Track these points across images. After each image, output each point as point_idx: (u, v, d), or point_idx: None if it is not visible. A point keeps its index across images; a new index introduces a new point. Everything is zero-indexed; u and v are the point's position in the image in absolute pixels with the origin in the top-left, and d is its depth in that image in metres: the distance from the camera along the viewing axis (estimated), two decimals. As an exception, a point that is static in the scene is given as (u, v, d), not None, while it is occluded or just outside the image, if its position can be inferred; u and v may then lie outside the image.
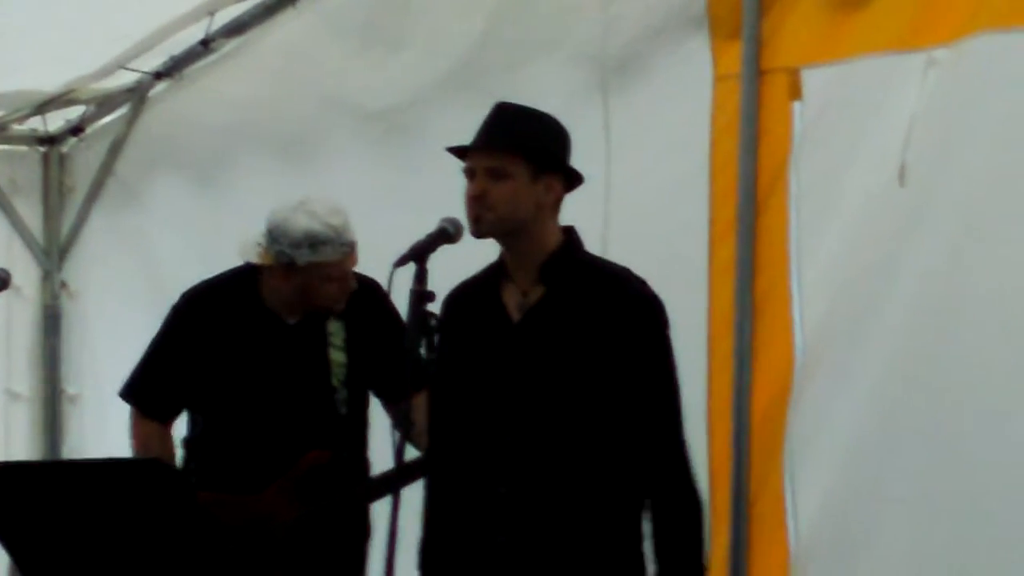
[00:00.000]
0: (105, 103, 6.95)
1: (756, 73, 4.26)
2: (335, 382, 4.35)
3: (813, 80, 4.18)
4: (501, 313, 3.49)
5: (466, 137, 3.48)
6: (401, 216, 4.21)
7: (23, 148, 7.46)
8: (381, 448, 4.01)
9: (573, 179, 3.50)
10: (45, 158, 7.48)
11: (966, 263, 3.75)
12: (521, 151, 3.40)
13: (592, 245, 3.61)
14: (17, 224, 7.44)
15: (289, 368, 4.36)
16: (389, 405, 4.43)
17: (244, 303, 4.38)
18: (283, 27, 5.96)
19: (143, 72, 6.55)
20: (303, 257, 4.22)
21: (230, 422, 4.38)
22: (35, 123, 7.21)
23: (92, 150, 7.23)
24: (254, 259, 4.33)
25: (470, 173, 3.44)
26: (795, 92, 4.21)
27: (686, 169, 4.44)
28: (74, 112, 7.14)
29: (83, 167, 7.34)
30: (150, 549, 3.53)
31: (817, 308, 4.14)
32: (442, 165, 3.61)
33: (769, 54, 4.26)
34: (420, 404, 3.59)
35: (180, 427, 4.53)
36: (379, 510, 4.17)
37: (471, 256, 3.56)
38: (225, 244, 4.64)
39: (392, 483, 3.47)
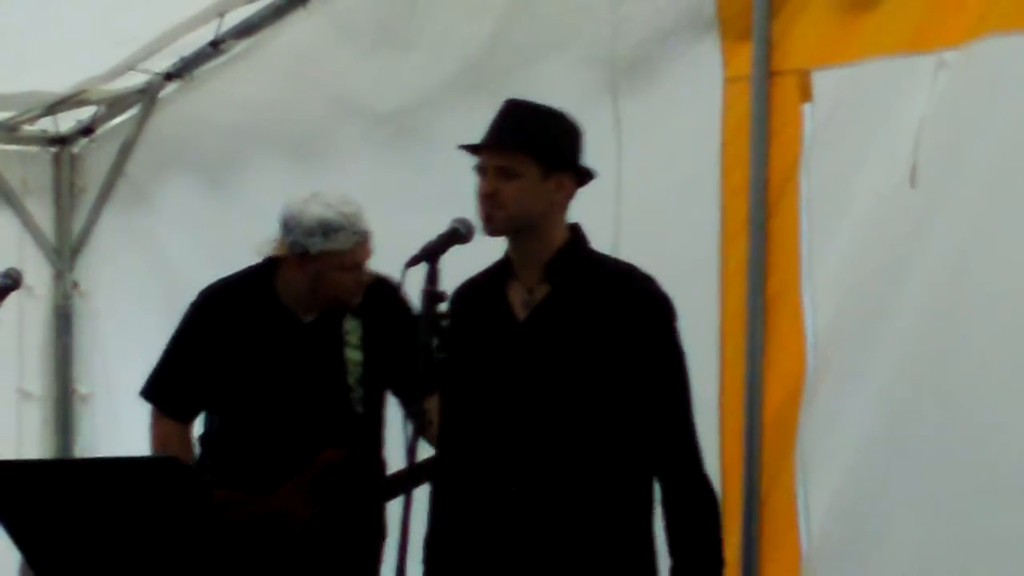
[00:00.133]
0: (116, 104, 6.95)
1: (766, 75, 4.27)
2: (351, 381, 4.34)
3: (823, 82, 4.19)
4: (506, 311, 3.48)
5: (475, 139, 3.47)
6: (410, 217, 4.21)
7: (34, 149, 7.45)
8: (397, 447, 4.02)
9: (584, 175, 3.49)
10: (56, 159, 7.47)
11: (976, 264, 3.76)
12: (530, 150, 3.39)
13: (603, 246, 3.60)
14: (29, 224, 7.43)
15: (305, 366, 4.36)
16: (406, 404, 4.43)
17: (260, 301, 4.38)
18: (293, 28, 5.97)
19: (153, 73, 6.56)
20: (316, 245, 4.22)
21: (246, 420, 4.38)
22: (46, 124, 7.20)
23: (103, 151, 7.23)
24: (269, 252, 4.34)
25: (482, 170, 3.44)
26: (805, 94, 4.22)
27: (696, 171, 4.44)
28: (85, 113, 7.14)
29: (94, 168, 7.34)
30: (164, 548, 3.53)
31: (828, 309, 4.14)
32: (451, 166, 3.61)
33: (779, 56, 4.27)
34: (435, 404, 3.60)
35: (197, 424, 4.53)
36: (393, 510, 4.18)
37: (482, 255, 3.55)
38: (235, 244, 4.65)
39: (407, 482, 3.48)
